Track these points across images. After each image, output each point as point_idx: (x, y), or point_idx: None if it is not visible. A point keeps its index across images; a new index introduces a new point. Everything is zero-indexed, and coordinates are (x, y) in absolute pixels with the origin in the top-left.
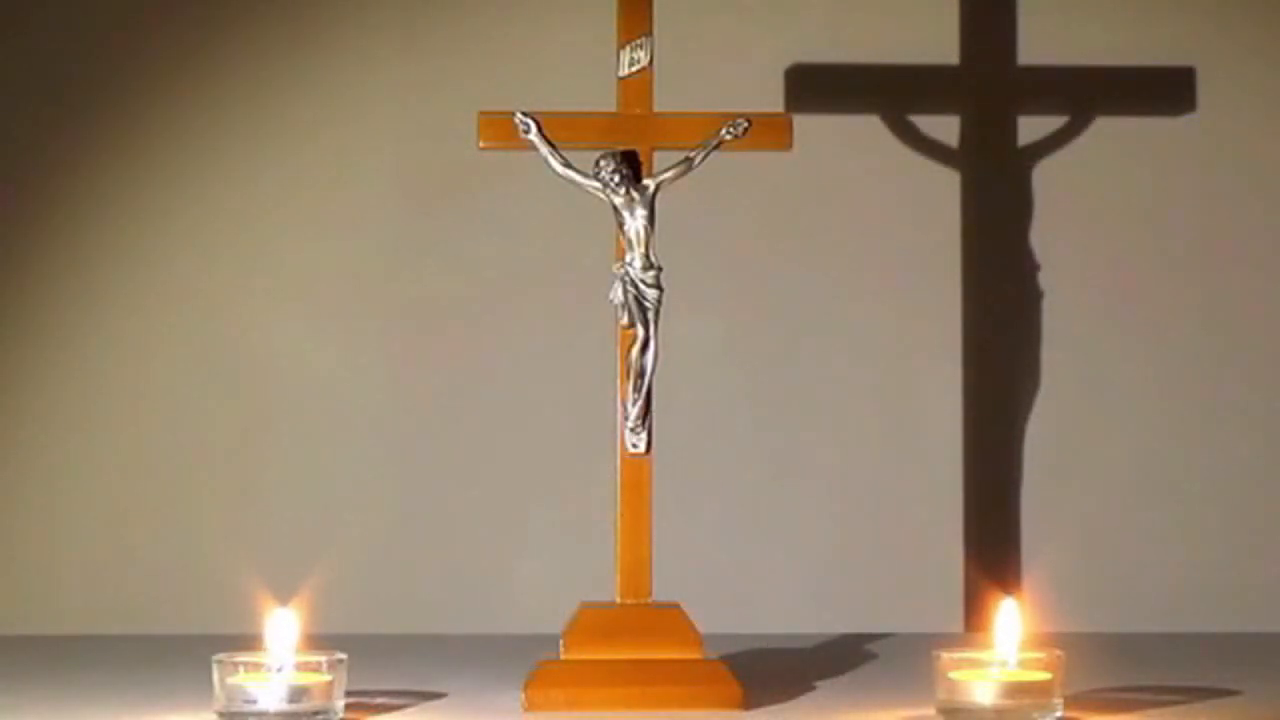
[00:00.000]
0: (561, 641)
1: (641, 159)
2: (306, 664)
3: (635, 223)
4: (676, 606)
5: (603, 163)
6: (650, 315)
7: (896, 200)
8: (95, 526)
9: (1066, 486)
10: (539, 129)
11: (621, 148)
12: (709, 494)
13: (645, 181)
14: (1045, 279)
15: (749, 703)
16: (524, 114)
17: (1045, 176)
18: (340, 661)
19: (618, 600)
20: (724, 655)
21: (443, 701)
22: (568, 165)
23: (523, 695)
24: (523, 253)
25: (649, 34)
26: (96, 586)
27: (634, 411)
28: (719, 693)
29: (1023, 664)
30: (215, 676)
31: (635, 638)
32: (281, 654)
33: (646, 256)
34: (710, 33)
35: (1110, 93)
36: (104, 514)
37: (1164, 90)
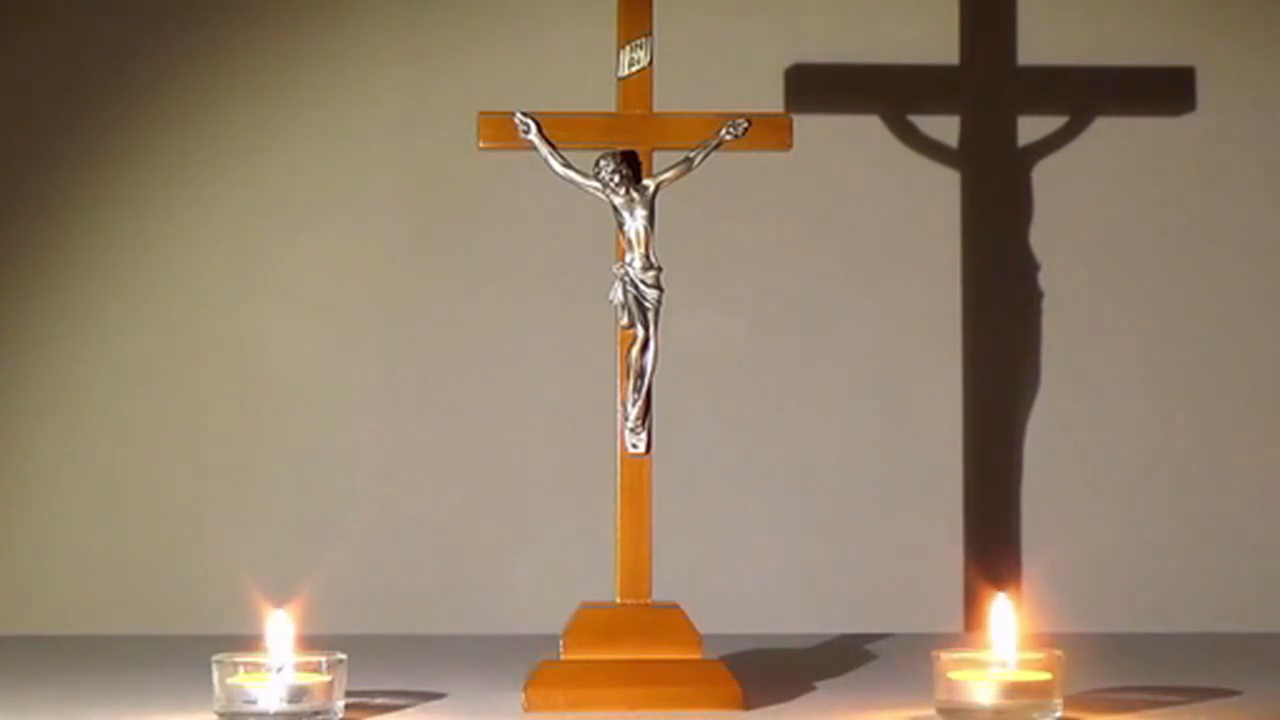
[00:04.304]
0: (561, 641)
1: (641, 159)
2: (306, 664)
3: (635, 223)
4: (676, 606)
5: (603, 163)
6: (650, 315)
7: (896, 200)
8: (94, 526)
9: (1066, 486)
10: (539, 129)
11: (621, 148)
12: (709, 494)
13: (645, 182)
14: (1045, 279)
15: (749, 703)
16: (524, 114)
17: (1045, 176)
18: (340, 661)
19: (618, 600)
20: (724, 655)
21: (443, 701)
22: (568, 165)
23: (523, 695)
24: (522, 253)
25: (649, 34)
26: (96, 586)
27: (634, 412)
28: (719, 693)
29: (1023, 664)
30: (215, 676)
31: (635, 638)
32: (281, 654)
33: (646, 257)
34: (710, 33)
35: (1110, 93)
36: (103, 514)
37: (1164, 90)
